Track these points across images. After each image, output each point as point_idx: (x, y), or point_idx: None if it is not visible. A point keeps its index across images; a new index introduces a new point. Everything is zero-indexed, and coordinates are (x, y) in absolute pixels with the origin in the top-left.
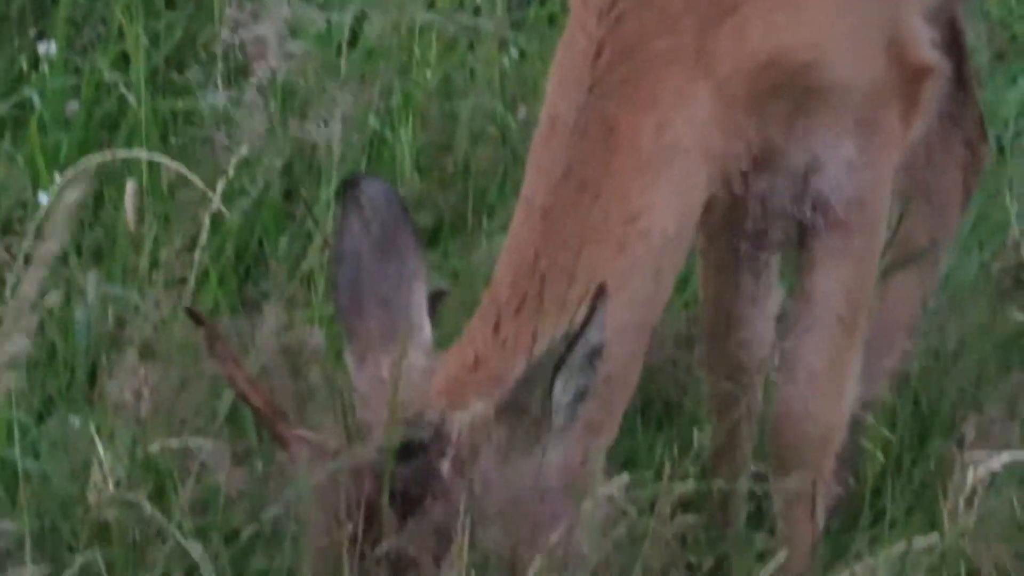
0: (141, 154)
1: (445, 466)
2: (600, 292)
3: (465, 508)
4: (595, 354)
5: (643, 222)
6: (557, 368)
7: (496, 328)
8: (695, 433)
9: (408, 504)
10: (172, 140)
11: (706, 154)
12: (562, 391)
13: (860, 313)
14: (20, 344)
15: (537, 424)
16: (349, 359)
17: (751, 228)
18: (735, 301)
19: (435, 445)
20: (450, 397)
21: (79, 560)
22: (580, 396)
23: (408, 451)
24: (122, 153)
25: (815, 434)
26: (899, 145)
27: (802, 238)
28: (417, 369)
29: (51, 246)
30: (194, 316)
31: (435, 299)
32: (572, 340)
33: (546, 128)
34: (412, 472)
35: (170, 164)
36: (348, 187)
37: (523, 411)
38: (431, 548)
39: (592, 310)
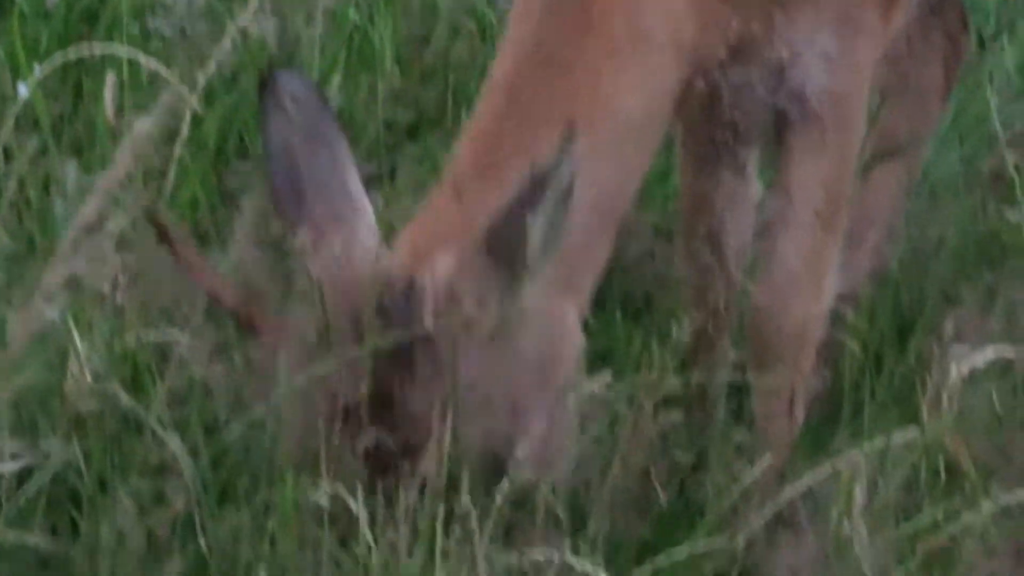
0: (120, 50)
1: (427, 318)
2: (569, 131)
3: (449, 360)
4: (566, 196)
5: (610, 105)
6: (532, 204)
7: (458, 195)
8: (673, 327)
9: (394, 361)
10: (153, 32)
11: (679, 45)
12: (536, 231)
13: (839, 208)
14: (77, 266)
15: (513, 265)
16: (302, 247)
17: (728, 120)
18: (714, 195)
19: (411, 301)
20: (415, 261)
21: (56, 452)
22: (552, 243)
23: (384, 313)
24: (101, 48)
25: (793, 329)
26: (879, 39)
27: (780, 132)
28: (369, 247)
29: (118, 171)
30: (157, 225)
31: (368, 183)
32: (543, 175)
33: (520, 8)
34: (395, 327)
35: (147, 62)
36: (266, 83)
37: (498, 253)
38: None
39: (562, 149)
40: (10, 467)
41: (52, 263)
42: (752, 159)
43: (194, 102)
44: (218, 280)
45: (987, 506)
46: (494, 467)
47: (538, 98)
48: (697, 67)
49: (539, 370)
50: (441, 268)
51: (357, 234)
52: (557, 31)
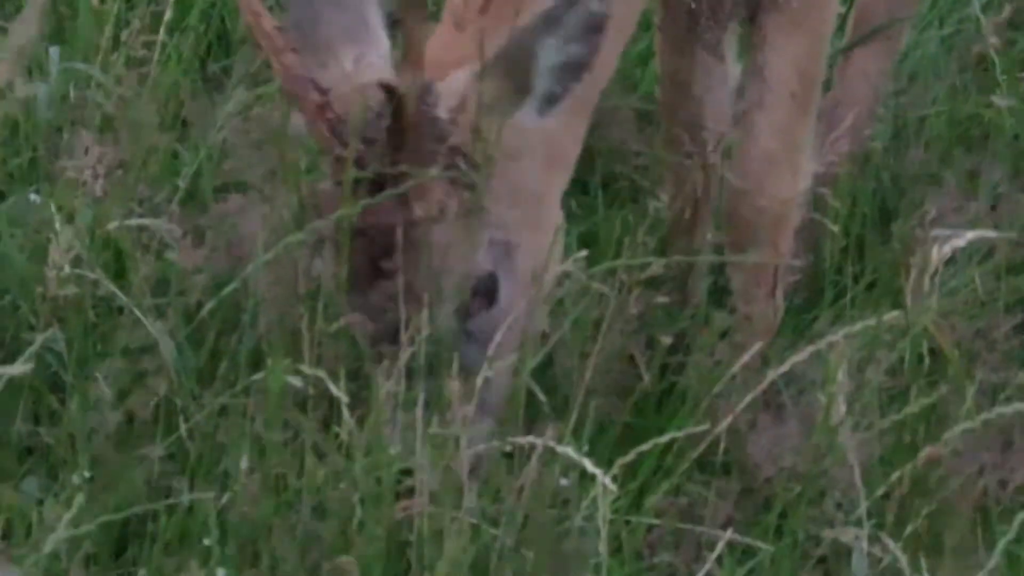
0: None
1: (442, 112)
2: None
3: (458, 149)
4: (592, 26)
5: None
6: (549, 24)
7: (460, 27)
8: (650, 203)
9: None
10: None
11: None
12: (550, 53)
13: (813, 89)
14: None
15: (521, 82)
16: (310, 67)
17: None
18: (692, 77)
19: (427, 100)
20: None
21: (38, 339)
22: (571, 69)
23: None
24: None
25: (770, 209)
26: None
27: (753, 14)
28: (379, 68)
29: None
30: None
31: (391, 23)
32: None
33: None
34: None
35: None
36: None
37: (507, 71)
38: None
39: None
40: None
41: None
42: (730, 41)
43: None
44: (275, 34)
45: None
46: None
47: None
48: None
49: (516, 241)
50: (454, 80)
51: (368, 56)
52: None
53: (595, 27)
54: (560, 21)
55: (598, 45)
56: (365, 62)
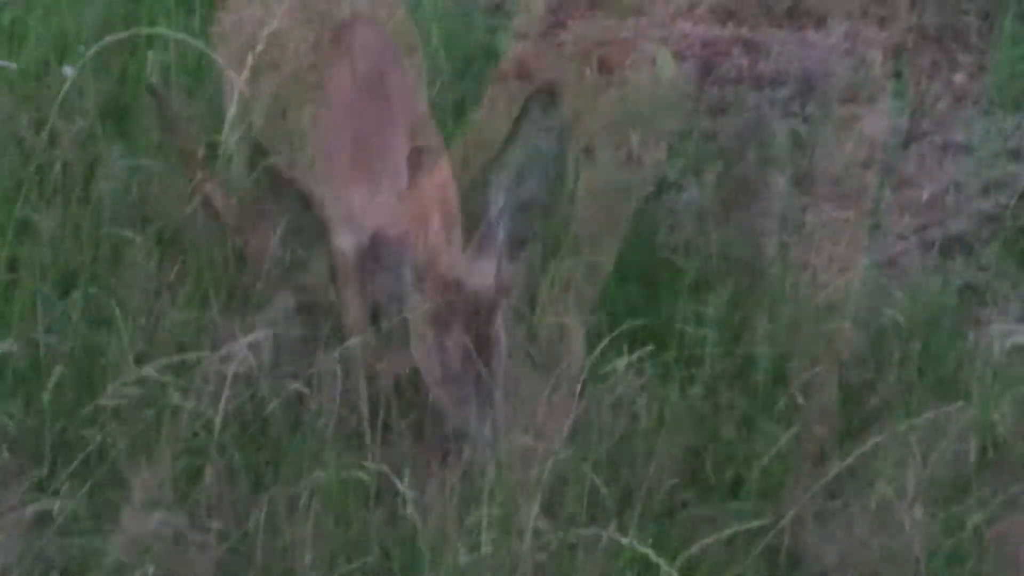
0: (166, 31)
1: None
2: (542, 90)
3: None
4: (542, 165)
5: None
6: (490, 168)
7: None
8: (711, 297)
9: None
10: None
11: None
12: (499, 193)
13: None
14: None
15: (478, 227)
16: (325, 196)
17: None
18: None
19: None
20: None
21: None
22: (532, 210)
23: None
24: (147, 30)
25: (827, 300)
26: None
27: None
28: (389, 206)
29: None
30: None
31: (417, 153)
32: (507, 139)
33: None
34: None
35: (193, 42)
36: (340, 30)
37: (468, 214)
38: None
39: (524, 110)
40: None
41: None
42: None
43: (243, 79)
44: (216, 193)
45: None
46: None
47: None
48: None
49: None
50: (431, 233)
51: (380, 193)
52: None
53: (547, 165)
54: (505, 159)
55: (556, 184)
56: (377, 200)
